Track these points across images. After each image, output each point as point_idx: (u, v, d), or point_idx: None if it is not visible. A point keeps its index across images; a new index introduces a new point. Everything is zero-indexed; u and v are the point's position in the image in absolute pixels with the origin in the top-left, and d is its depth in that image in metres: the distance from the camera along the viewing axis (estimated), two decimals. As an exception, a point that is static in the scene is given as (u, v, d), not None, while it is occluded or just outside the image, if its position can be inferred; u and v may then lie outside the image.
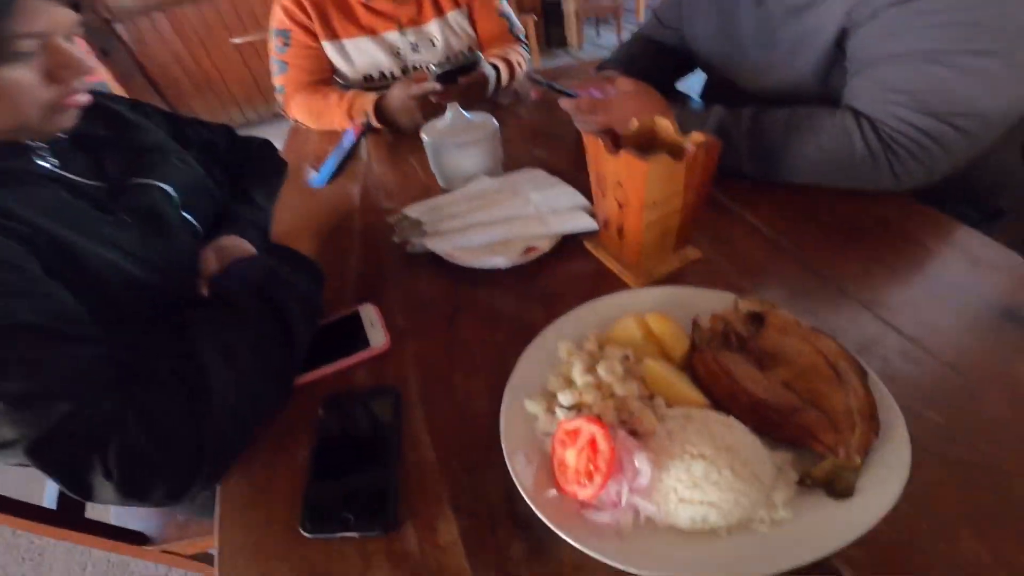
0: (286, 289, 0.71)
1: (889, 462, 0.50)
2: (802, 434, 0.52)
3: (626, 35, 4.87)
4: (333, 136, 1.43)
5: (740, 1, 1.06)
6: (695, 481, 0.48)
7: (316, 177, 0.87)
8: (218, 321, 0.65)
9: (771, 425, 0.53)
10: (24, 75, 0.62)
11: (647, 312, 0.66)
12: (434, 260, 0.86)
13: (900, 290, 0.71)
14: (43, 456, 0.51)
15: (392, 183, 1.13)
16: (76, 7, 0.66)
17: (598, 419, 0.53)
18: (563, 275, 0.82)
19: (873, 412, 0.52)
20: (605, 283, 0.78)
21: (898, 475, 0.49)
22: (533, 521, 0.51)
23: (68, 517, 0.95)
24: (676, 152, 0.68)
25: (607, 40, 5.37)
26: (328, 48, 1.50)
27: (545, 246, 0.83)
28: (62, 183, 0.69)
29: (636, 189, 0.68)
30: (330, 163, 0.88)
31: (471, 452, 0.60)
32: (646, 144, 0.76)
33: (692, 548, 0.48)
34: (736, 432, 0.51)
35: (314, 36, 1.48)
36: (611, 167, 0.71)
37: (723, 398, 0.57)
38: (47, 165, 0.69)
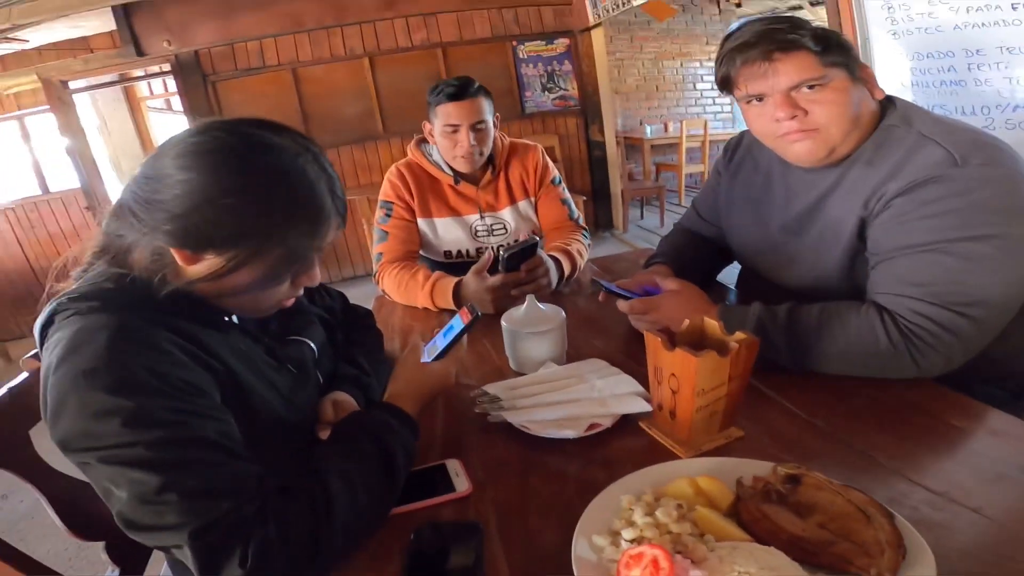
0: (392, 436, 0.82)
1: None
2: (837, 561, 0.60)
3: (668, 217, 5.55)
4: (416, 313, 1.62)
5: (772, 194, 1.17)
6: None
7: (425, 354, 1.02)
8: (342, 455, 0.77)
9: (809, 555, 0.61)
10: (288, 278, 0.80)
11: (699, 475, 0.75)
12: (509, 429, 0.96)
13: (928, 458, 0.79)
14: (199, 540, 0.62)
15: (468, 361, 1.27)
16: (344, 224, 0.82)
17: (658, 544, 0.61)
18: (621, 447, 0.91)
19: (899, 541, 0.60)
20: (657, 456, 0.86)
21: None
22: None
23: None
24: (721, 348, 0.81)
25: (650, 222, 6.05)
26: (422, 224, 1.80)
27: (607, 423, 0.93)
28: (245, 333, 0.86)
29: (689, 379, 0.81)
30: (440, 345, 1.02)
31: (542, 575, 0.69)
32: (696, 340, 0.89)
33: None
34: (778, 556, 0.59)
35: (412, 212, 1.77)
36: (668, 361, 0.84)
37: (765, 536, 0.65)
38: (233, 319, 0.85)
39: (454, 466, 0.90)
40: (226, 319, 0.84)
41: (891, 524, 0.63)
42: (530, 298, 1.17)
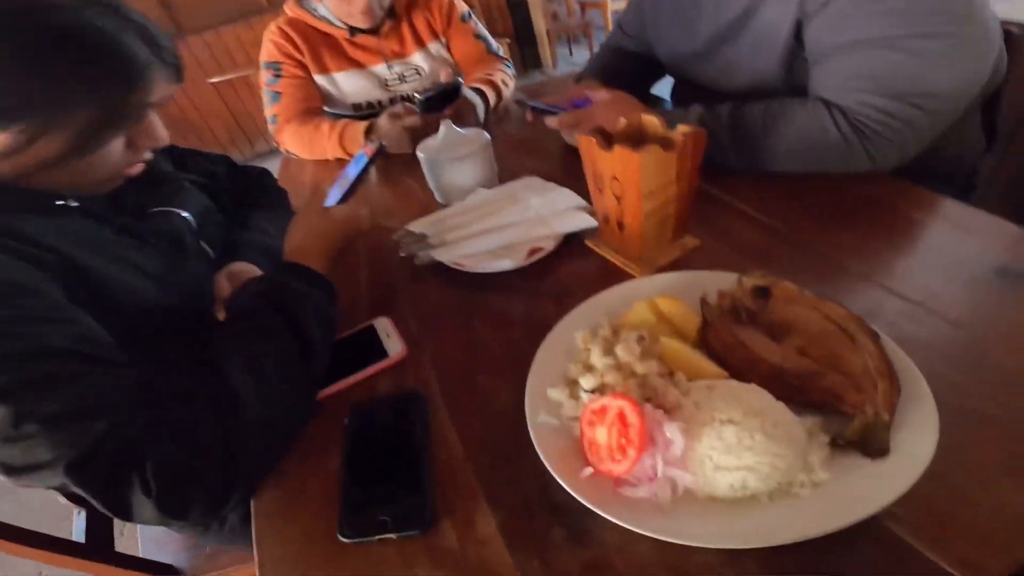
0: (301, 303, 0.69)
1: (917, 418, 0.49)
2: (826, 397, 0.52)
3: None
4: (328, 165, 1.46)
5: (700, 3, 1.08)
6: (728, 447, 0.47)
7: (329, 197, 0.88)
8: (241, 338, 0.65)
9: (793, 391, 0.52)
10: (118, 141, 0.68)
11: (658, 296, 0.65)
12: (442, 271, 0.87)
13: (896, 260, 0.73)
14: (82, 475, 0.52)
15: (391, 202, 1.16)
16: (180, 76, 0.71)
17: (624, 394, 0.51)
18: (569, 274, 0.83)
19: (891, 370, 0.51)
20: (610, 277, 0.78)
21: (929, 428, 0.48)
22: (570, 506, 0.51)
23: (97, 550, 0.96)
24: (665, 145, 0.70)
25: (580, 58, 5.57)
26: (319, 80, 1.57)
27: (549, 246, 0.84)
28: (87, 214, 0.71)
29: (632, 181, 0.70)
30: (342, 183, 0.88)
31: (499, 446, 0.60)
32: (635, 141, 0.77)
33: (735, 516, 0.47)
34: (762, 396, 0.50)
35: (304, 68, 1.55)
36: (606, 163, 0.73)
37: (741, 369, 0.56)
38: (69, 202, 0.70)
39: (384, 326, 0.79)
40: (58, 202, 0.69)
41: (877, 346, 0.54)
42: (446, 123, 1.03)
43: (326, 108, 1.63)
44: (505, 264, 0.81)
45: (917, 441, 0.47)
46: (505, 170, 1.10)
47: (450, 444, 0.62)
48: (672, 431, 0.49)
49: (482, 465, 0.59)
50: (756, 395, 0.50)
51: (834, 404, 0.51)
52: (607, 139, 0.74)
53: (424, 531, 0.54)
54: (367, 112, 1.63)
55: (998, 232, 0.73)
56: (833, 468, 0.48)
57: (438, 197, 1.08)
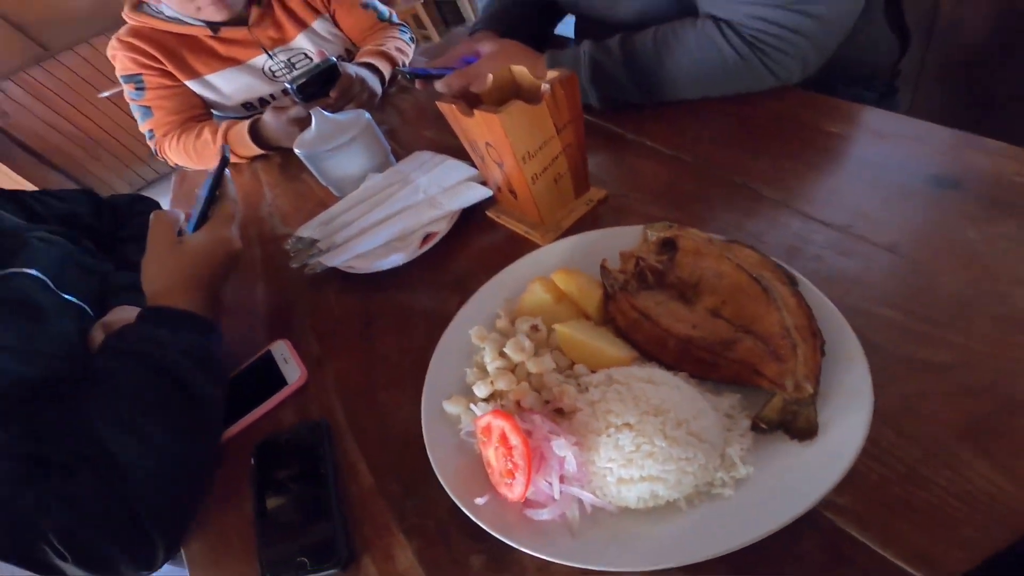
0: (167, 349, 0.63)
1: (848, 382, 0.43)
2: (742, 370, 0.45)
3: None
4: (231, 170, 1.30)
5: None
6: (628, 457, 0.41)
7: (190, 223, 0.77)
8: (108, 399, 0.59)
9: (707, 367, 0.47)
10: None
11: (556, 270, 0.58)
12: (338, 277, 0.80)
13: (816, 181, 0.65)
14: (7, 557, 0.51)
15: (288, 205, 1.08)
16: None
17: (503, 411, 0.46)
18: (472, 253, 0.76)
19: (811, 324, 0.45)
20: (517, 250, 0.70)
21: (862, 395, 0.41)
22: (486, 530, 0.46)
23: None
24: (530, 98, 0.62)
25: None
26: (193, 86, 1.38)
27: (443, 228, 0.77)
28: None
29: (504, 145, 0.62)
30: (195, 209, 0.76)
31: (406, 471, 0.55)
32: (510, 96, 0.67)
33: (653, 530, 0.41)
34: (663, 389, 0.44)
35: (170, 76, 1.36)
36: (474, 130, 0.66)
37: (649, 346, 0.50)
38: None
39: (281, 351, 0.72)
40: None
41: (795, 296, 0.47)
42: (316, 111, 0.95)
43: (215, 113, 1.48)
44: (397, 259, 0.74)
45: (851, 411, 0.41)
46: (404, 146, 1.01)
47: (359, 474, 0.57)
48: (561, 447, 0.43)
49: (393, 493, 0.54)
50: (655, 388, 0.44)
51: (752, 378, 0.45)
52: (472, 102, 0.66)
53: (343, 568, 0.51)
54: (260, 111, 1.43)
55: (925, 137, 0.65)
56: (758, 460, 0.42)
57: (334, 192, 1.00)
